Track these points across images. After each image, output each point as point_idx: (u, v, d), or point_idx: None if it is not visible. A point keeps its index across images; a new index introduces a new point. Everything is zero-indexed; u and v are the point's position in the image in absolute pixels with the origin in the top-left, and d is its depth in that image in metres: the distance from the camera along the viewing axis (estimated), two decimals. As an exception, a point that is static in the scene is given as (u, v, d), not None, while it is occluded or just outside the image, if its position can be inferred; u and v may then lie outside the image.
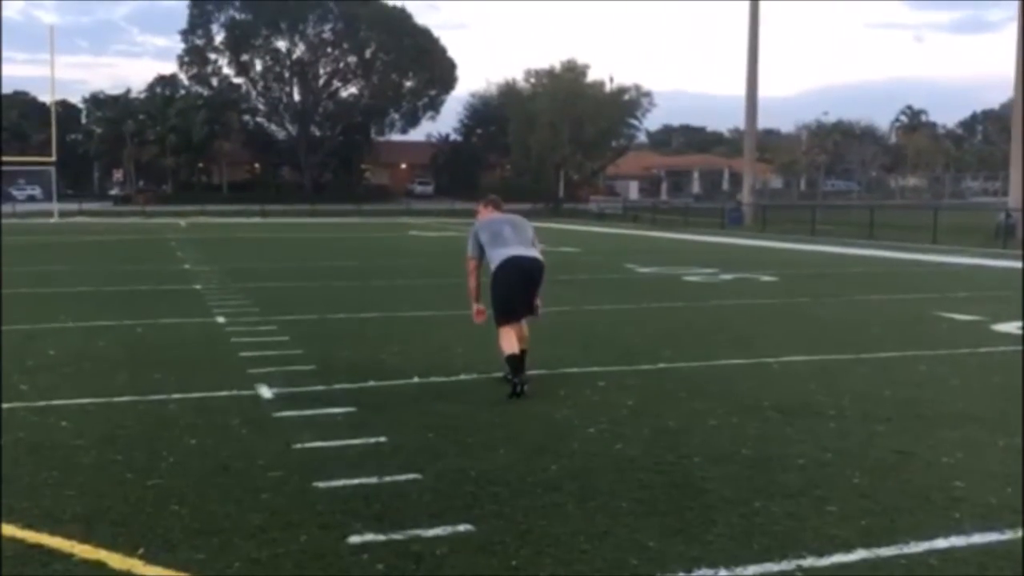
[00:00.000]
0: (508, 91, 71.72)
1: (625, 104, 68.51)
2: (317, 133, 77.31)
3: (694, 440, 5.62)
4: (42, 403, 6.49)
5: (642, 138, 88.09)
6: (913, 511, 4.40)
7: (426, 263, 19.91)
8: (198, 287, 14.25)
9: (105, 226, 39.55)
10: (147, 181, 75.64)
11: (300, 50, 75.21)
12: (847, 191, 78.90)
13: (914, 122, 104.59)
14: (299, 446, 5.40)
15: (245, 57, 74.73)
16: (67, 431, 5.77)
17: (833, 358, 8.48)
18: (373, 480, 4.77)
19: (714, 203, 54.22)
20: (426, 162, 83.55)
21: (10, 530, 4.04)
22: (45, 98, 63.34)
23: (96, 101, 77.06)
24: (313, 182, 75.14)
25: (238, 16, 73.70)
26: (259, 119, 78.61)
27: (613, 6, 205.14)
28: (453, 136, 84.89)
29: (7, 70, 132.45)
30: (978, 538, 4.06)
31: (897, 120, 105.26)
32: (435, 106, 79.32)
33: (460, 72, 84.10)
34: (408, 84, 77.46)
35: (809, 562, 3.78)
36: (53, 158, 47.07)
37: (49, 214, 47.70)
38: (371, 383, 7.19)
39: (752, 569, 3.71)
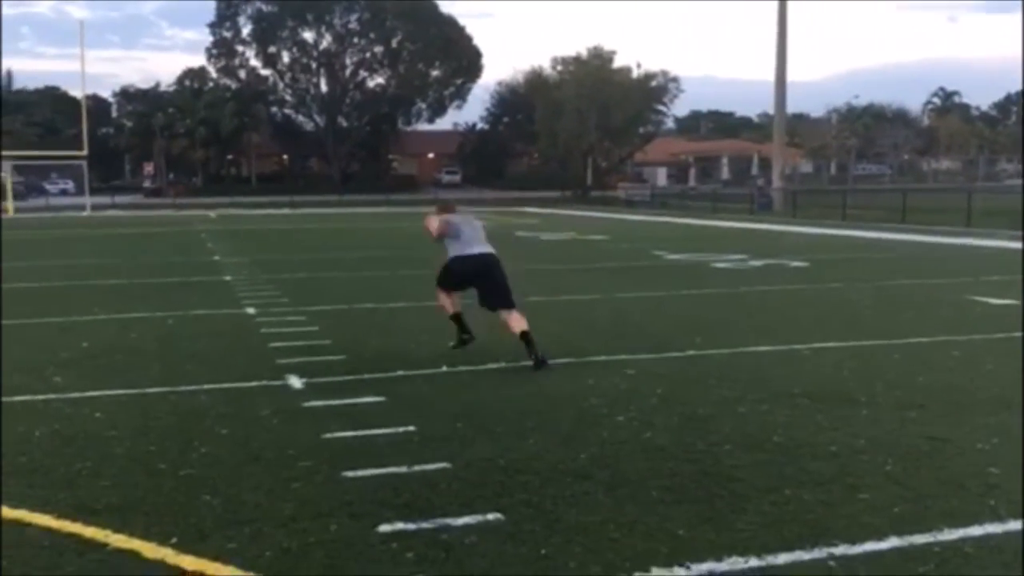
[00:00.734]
0: (535, 79, 71.47)
1: (652, 90, 68.03)
2: (344, 124, 77.53)
3: (724, 427, 5.59)
4: (76, 395, 6.57)
5: (670, 124, 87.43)
6: (947, 498, 4.35)
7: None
8: (228, 278, 14.36)
9: (136, 219, 39.96)
10: (177, 174, 76.31)
11: (327, 41, 75.40)
12: (879, 175, 77.98)
13: (947, 104, 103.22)
14: (329, 436, 5.43)
15: (272, 49, 75.03)
16: (101, 422, 5.84)
17: (865, 344, 8.39)
18: (402, 469, 4.79)
19: (743, 189, 53.77)
20: (453, 151, 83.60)
21: (45, 520, 4.10)
22: (76, 93, 64.13)
23: (126, 95, 77.79)
24: (341, 173, 75.41)
25: (265, 8, 73.99)
26: (287, 111, 78.97)
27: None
28: (480, 125, 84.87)
29: (39, 65, 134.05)
30: (1014, 525, 4.00)
31: (929, 102, 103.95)
32: (461, 95, 79.30)
33: (486, 61, 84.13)
34: (434, 73, 77.45)
35: (841, 550, 3.75)
36: (84, 152, 47.56)
37: (81, 207, 48.27)
38: (399, 372, 7.21)
39: (783, 557, 3.69)
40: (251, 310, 10.73)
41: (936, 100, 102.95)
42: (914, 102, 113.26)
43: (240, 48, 75.72)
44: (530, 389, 6.66)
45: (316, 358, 7.71)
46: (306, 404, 6.21)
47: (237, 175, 79.87)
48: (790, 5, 44.01)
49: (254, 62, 76.27)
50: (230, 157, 79.78)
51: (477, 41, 79.57)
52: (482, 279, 7.86)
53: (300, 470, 4.82)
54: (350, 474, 4.72)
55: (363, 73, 77.87)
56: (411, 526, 4.02)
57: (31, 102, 77.34)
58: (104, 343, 8.70)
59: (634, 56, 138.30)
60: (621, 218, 37.55)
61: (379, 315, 10.66)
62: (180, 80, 75.95)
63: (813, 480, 4.60)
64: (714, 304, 11.49)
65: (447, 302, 8.07)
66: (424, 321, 10.00)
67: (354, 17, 75.17)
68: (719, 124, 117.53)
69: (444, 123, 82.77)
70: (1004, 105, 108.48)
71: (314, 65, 76.02)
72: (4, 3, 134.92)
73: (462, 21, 79.69)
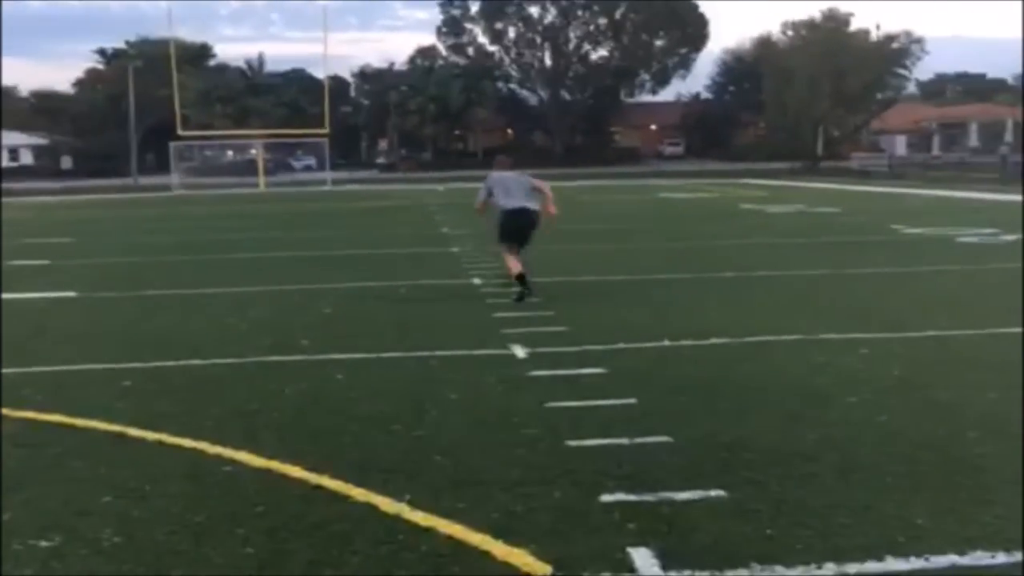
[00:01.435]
0: (764, 46, 68.90)
1: (893, 53, 63.83)
2: (567, 97, 78.10)
3: (969, 414, 5.21)
4: (320, 357, 7.06)
5: (912, 89, 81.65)
6: None
7: (675, 226, 19.67)
8: (455, 249, 14.89)
9: (371, 192, 42.18)
10: (409, 149, 79.78)
11: (551, 15, 76.04)
12: None
13: None
14: (552, 405, 5.53)
15: (499, 25, 76.60)
16: (342, 383, 6.25)
17: None
18: (624, 441, 4.81)
19: (993, 157, 49.50)
20: (676, 122, 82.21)
21: (296, 471, 4.45)
22: (319, 74, 68.35)
23: (363, 75, 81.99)
24: (564, 146, 76.12)
25: (493, -15, 75.61)
26: (512, 85, 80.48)
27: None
28: (704, 95, 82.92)
29: (286, 49, 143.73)
30: None
31: None
32: (686, 65, 77.69)
33: (712, 29, 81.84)
34: (658, 44, 76.35)
35: (1106, 553, 3.41)
36: (326, 130, 50.67)
37: (323, 182, 51.60)
38: (621, 345, 7.23)
39: (1036, 556, 3.41)
40: (477, 280, 11.09)
41: None
42: None
43: (468, 25, 77.83)
44: (755, 366, 6.49)
45: (539, 329, 7.87)
46: (530, 373, 6.36)
47: (464, 149, 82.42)
48: (1055, -47, 39.76)
49: (481, 39, 78.20)
50: (457, 132, 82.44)
51: (703, 9, 77.67)
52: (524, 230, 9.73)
53: (524, 437, 4.95)
54: (573, 443, 4.80)
55: (587, 46, 77.98)
56: (633, 497, 4.04)
57: (279, 84, 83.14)
58: (345, 309, 9.29)
59: (873, 17, 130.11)
60: (854, 189, 35.61)
61: (601, 287, 10.72)
62: (412, 59, 79.14)
63: (1073, 475, 4.21)
64: (959, 282, 10.70)
65: (512, 260, 9.55)
66: (645, 294, 9.97)
67: (579, -10, 75.35)
68: (968, 87, 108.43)
69: (667, 94, 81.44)
70: None
71: (539, 40, 76.93)
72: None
73: (688, -12, 77.63)
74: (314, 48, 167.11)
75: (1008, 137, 69.45)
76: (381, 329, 8.18)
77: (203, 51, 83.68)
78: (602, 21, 76.01)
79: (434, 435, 5.02)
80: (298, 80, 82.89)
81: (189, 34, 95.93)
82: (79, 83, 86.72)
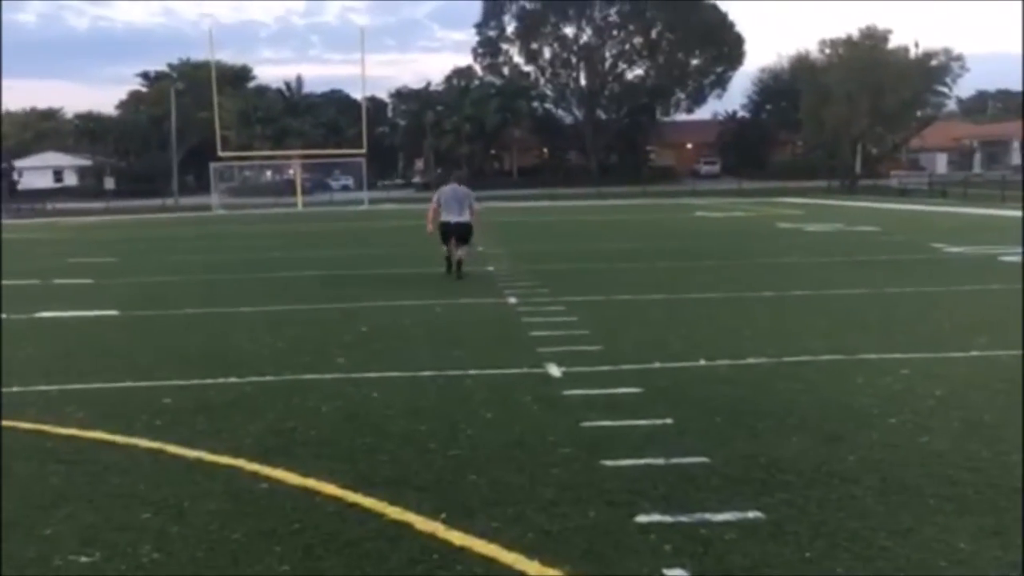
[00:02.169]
0: (800, 63, 68.52)
1: (932, 70, 63.14)
2: (603, 116, 78.18)
3: (1012, 436, 5.11)
4: (356, 375, 7.10)
5: (952, 106, 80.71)
6: None
7: (712, 244, 19.57)
8: (491, 269, 14.92)
9: (407, 211, 42.42)
10: (445, 168, 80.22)
11: (587, 35, 76.32)
12: None
13: None
14: (587, 424, 5.52)
15: (534, 45, 76.97)
16: (378, 401, 6.28)
17: None
18: (660, 461, 4.78)
19: (1037, 175, 48.64)
20: (712, 141, 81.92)
21: (331, 488, 4.47)
22: (357, 95, 69.13)
23: (400, 95, 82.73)
24: (599, 165, 76.11)
25: (528, 6, 75.99)
26: (547, 105, 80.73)
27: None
28: (740, 113, 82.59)
29: (325, 70, 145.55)
30: None
31: None
32: (722, 83, 77.46)
33: (748, 47, 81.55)
34: (694, 62, 76.24)
35: None
36: (363, 150, 51.14)
37: (360, 202, 52.03)
38: (657, 365, 7.19)
39: (1084, 583, 3.33)
40: (513, 299, 11.10)
41: None
42: None
43: (504, 46, 78.30)
44: (793, 386, 6.43)
45: (575, 348, 7.86)
46: (565, 392, 6.34)
47: (499, 169, 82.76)
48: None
49: (517, 59, 78.63)
50: (493, 152, 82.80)
51: (740, 27, 77.54)
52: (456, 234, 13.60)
53: (559, 456, 4.93)
54: (608, 463, 4.78)
55: (622, 65, 78.08)
56: (668, 518, 4.01)
57: (318, 105, 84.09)
58: (380, 328, 9.33)
59: (911, 34, 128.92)
60: (894, 208, 35.22)
61: (636, 307, 10.68)
62: (448, 79, 79.73)
63: (1122, 500, 4.11)
64: (1002, 301, 10.52)
65: (447, 248, 13.79)
66: (681, 313, 9.92)
67: (614, 10, 75.48)
68: (1009, 104, 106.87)
69: (703, 112, 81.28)
70: None
71: (574, 59, 77.18)
72: (294, 14, 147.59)
73: (724, 7, 77.64)
74: (352, 69, 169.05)
75: (1052, 155, 68.39)
76: (417, 348, 8.21)
77: (243, 73, 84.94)
78: (637, 40, 76.12)
79: (469, 454, 5.03)
80: (336, 101, 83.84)
81: (230, 56, 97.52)
82: (122, 105, 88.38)
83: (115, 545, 3.86)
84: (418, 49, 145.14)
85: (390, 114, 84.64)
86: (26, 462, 5.05)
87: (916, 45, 62.52)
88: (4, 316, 10.90)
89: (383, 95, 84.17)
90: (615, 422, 5.54)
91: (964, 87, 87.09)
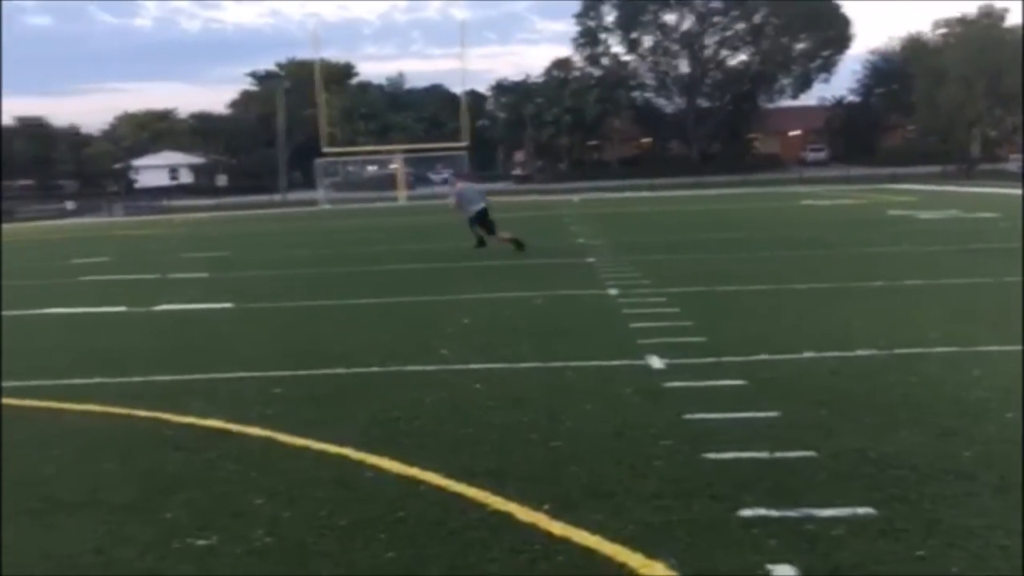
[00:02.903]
0: (913, 45, 66.09)
1: (1054, 48, 60.09)
2: (705, 104, 76.98)
3: None
4: (459, 366, 7.19)
5: (1077, 85, 76.57)
6: None
7: (819, 233, 19.06)
8: (591, 260, 14.89)
9: (506, 204, 42.66)
10: (544, 160, 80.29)
11: (688, 22, 75.22)
12: None
13: None
14: (689, 416, 5.46)
15: (634, 34, 76.28)
16: (480, 393, 6.34)
17: None
18: (764, 455, 4.70)
19: None
20: (819, 127, 79.76)
21: (435, 478, 4.55)
22: (457, 89, 69.80)
23: (500, 88, 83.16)
24: (700, 154, 75.00)
25: (628, -5, 75.36)
26: (647, 94, 79.93)
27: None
28: (848, 98, 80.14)
29: (426, 65, 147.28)
30: None
31: None
32: (828, 68, 75.28)
33: (856, 29, 78.97)
34: (799, 47, 74.31)
35: None
36: (464, 143, 51.60)
37: (461, 195, 52.53)
38: (762, 356, 7.06)
39: None
40: (613, 291, 11.05)
41: None
42: None
43: (603, 36, 77.81)
44: (906, 378, 6.22)
45: (676, 339, 7.78)
46: (667, 384, 6.29)
47: (599, 159, 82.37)
48: None
49: (616, 48, 78.04)
50: (593, 143, 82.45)
51: (846, 9, 75.14)
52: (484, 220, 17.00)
53: (661, 449, 4.90)
54: (711, 456, 4.72)
55: (724, 52, 76.71)
56: (774, 513, 3.94)
57: (419, 100, 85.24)
58: (482, 319, 9.43)
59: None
60: (1014, 193, 33.64)
61: (740, 298, 10.50)
62: (548, 71, 79.71)
63: None
64: None
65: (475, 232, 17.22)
66: (787, 304, 9.71)
67: (716, -4, 74.24)
68: None
69: (809, 98, 79.18)
70: None
71: (675, 47, 76.18)
72: (396, 11, 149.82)
73: (830, -11, 75.22)
74: (453, 64, 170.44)
75: None
76: (518, 339, 8.26)
77: (347, 70, 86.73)
78: (740, 26, 74.62)
79: (570, 445, 5.04)
80: (437, 96, 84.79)
81: (334, 54, 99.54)
82: (233, 104, 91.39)
83: (229, 529, 4.02)
84: (518, 41, 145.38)
85: (490, 107, 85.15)
86: (146, 449, 5.29)
87: (1036, 22, 59.54)
88: (125, 309, 11.43)
89: (483, 88, 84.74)
90: (718, 415, 5.47)
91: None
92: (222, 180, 75.75)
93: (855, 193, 37.47)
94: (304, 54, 78.83)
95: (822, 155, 76.58)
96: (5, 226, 42.13)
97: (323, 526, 4.02)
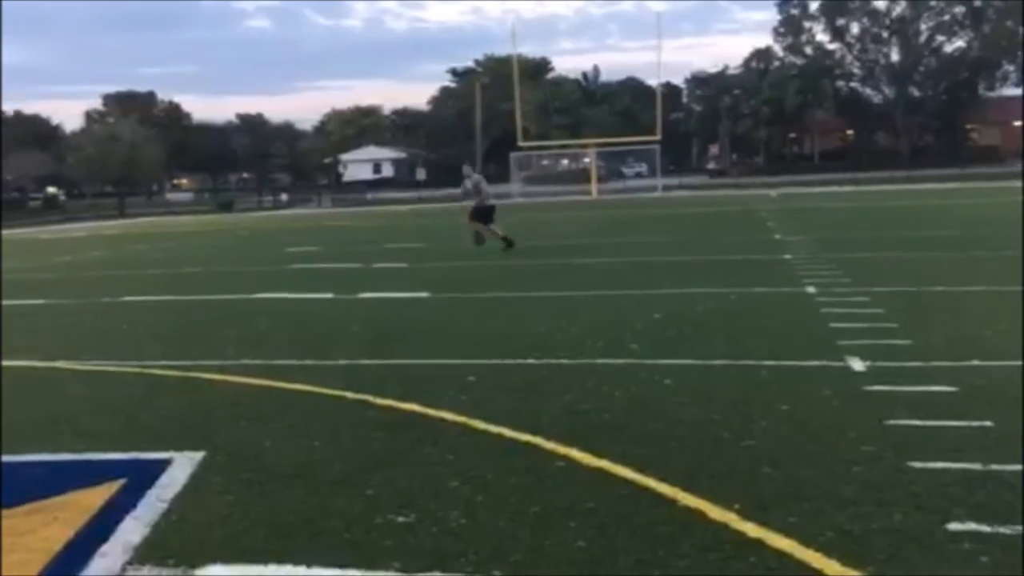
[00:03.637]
0: None
1: None
2: (916, 94, 72.71)
3: None
4: (649, 361, 7.17)
5: None
6: None
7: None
8: (788, 257, 14.41)
9: (700, 199, 41.92)
10: (740, 154, 78.32)
11: (900, 7, 71.23)
12: None
13: None
14: (892, 422, 5.21)
15: (841, 21, 73.06)
16: (670, 388, 6.30)
17: None
18: (976, 467, 4.42)
19: None
20: (1047, 117, 73.56)
21: (624, 471, 4.56)
22: (652, 82, 69.19)
23: (696, 80, 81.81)
24: (911, 146, 70.90)
25: (835, -20, 72.23)
26: (853, 84, 76.39)
27: None
28: (1083, 85, 73.43)
29: (621, 58, 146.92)
30: None
31: None
32: (1059, 52, 69.33)
33: (1093, 9, 72.06)
34: (1025, 30, 68.82)
35: None
36: (658, 137, 51.12)
37: (653, 188, 52.12)
38: (975, 362, 6.63)
39: None
40: (811, 289, 10.67)
41: None
42: None
43: (807, 24, 74.97)
44: None
45: (880, 341, 7.42)
46: (868, 388, 6.02)
47: (799, 153, 79.51)
48: None
49: (820, 37, 75.04)
50: (792, 135, 79.65)
51: (1082, -13, 68.72)
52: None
53: (862, 454, 4.70)
54: (917, 464, 4.49)
55: (940, 38, 72.17)
56: (986, 528, 3.71)
57: (613, 93, 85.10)
58: (673, 315, 9.34)
59: None
60: None
61: (951, 299, 9.88)
62: (746, 62, 77.66)
63: None
64: None
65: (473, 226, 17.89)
66: (1002, 306, 9.05)
67: (931, -22, 69.93)
68: None
69: (1036, 85, 73.15)
70: None
71: (885, 34, 72.37)
72: (592, 5, 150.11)
73: (1063, -34, 69.11)
74: (648, 56, 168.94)
75: None
76: (709, 336, 8.13)
77: (543, 65, 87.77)
78: (958, 10, 69.93)
79: (763, 446, 4.92)
80: (631, 88, 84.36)
81: (531, 50, 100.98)
82: (433, 100, 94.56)
83: (427, 509, 4.20)
84: (716, 32, 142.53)
85: (685, 99, 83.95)
86: (352, 428, 5.60)
87: None
88: (332, 296, 12.11)
89: (678, 80, 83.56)
90: (925, 422, 5.19)
91: None
92: (421, 174, 78.61)
93: (1087, 188, 34.27)
94: (502, 50, 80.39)
95: (1049, 147, 70.57)
96: (234, 216, 45.35)
97: (515, 512, 4.12)
